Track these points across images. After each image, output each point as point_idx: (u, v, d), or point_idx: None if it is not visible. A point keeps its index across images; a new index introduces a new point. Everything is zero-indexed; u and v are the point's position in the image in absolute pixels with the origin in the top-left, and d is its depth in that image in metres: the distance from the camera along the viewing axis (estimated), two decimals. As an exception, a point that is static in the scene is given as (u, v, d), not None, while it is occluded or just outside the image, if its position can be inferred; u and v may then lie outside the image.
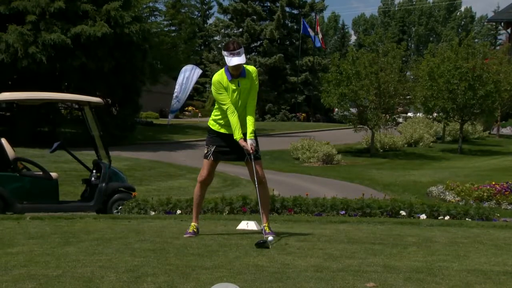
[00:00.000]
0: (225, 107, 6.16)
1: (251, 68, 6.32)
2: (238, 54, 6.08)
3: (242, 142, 6.12)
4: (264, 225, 6.21)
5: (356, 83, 26.56)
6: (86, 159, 11.75)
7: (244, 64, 6.19)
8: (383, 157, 27.24)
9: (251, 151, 6.11)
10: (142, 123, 37.49)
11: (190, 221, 6.45)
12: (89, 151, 12.44)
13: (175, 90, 33.58)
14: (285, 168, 22.01)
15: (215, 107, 6.39)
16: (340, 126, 41.54)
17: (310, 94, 56.69)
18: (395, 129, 31.31)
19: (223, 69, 6.28)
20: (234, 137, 6.13)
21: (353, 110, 28.65)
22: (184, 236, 6.10)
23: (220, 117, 6.29)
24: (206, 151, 6.34)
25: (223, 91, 6.18)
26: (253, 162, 6.13)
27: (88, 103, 11.11)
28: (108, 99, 27.35)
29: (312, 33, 52.76)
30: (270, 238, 5.63)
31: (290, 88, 55.92)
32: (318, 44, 54.17)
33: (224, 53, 6.12)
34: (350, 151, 28.79)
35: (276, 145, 27.68)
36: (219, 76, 6.25)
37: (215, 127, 6.35)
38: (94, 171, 10.87)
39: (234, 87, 6.17)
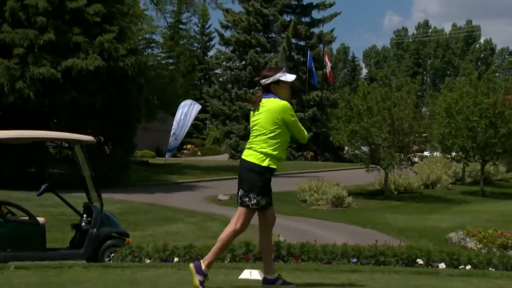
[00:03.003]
0: (304, 132, 6.19)
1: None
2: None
3: None
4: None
5: (367, 119, 26.63)
6: (76, 203, 11.74)
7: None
8: (398, 199, 27.15)
9: None
10: (137, 163, 37.54)
11: (188, 270, 6.27)
12: (79, 193, 12.44)
13: (173, 127, 33.74)
14: (291, 212, 21.93)
15: (274, 140, 6.07)
16: (350, 166, 41.43)
17: (318, 131, 56.80)
18: (410, 169, 31.28)
19: (277, 98, 6.16)
20: (304, 138, 6.20)
21: (365, 149, 28.67)
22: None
23: (280, 149, 6.12)
24: (263, 202, 6.07)
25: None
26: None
27: (79, 141, 11.15)
28: (101, 137, 27.43)
29: (313, 69, 53.07)
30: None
31: (297, 125, 56.05)
32: (314, 81, 54.62)
33: (278, 74, 6.12)
34: (362, 193, 28.71)
35: (281, 186, 27.54)
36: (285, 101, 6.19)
37: (277, 164, 6.16)
38: (84, 215, 10.85)
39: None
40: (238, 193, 6.08)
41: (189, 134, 48.29)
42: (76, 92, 25.68)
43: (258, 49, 57.29)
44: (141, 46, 35.76)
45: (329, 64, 55.65)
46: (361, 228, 18.28)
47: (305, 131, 6.27)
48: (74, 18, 26.50)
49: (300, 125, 6.19)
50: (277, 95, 6.10)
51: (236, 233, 6.04)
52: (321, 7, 58.83)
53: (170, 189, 28.19)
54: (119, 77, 26.93)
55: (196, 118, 40.94)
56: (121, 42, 26.86)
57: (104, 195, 11.35)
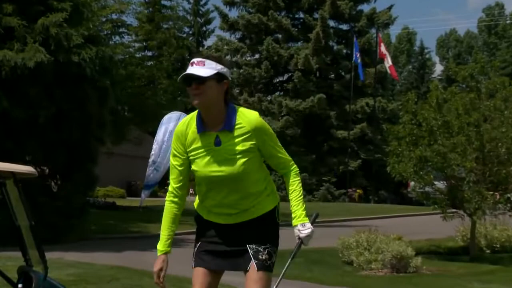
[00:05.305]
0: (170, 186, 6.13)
1: (249, 114, 5.79)
2: (200, 64, 5.56)
3: (160, 262, 6.12)
4: None
5: (444, 141, 26.57)
6: (8, 267, 11.74)
7: (207, 79, 5.54)
8: (492, 261, 27.00)
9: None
10: (99, 205, 37.63)
11: None
12: (12, 251, 12.43)
13: (152, 152, 33.77)
14: (329, 279, 21.87)
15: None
16: (419, 211, 41.29)
17: (370, 157, 56.87)
18: (510, 216, 31.13)
19: (195, 112, 5.93)
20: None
21: (440, 185, 28.56)
22: None
23: (203, 195, 6.20)
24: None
25: (180, 153, 5.95)
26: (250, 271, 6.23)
27: (13, 174, 11.15)
28: (45, 168, 27.51)
29: (358, 60, 53.11)
30: None
31: (337, 149, 56.19)
32: (361, 77, 54.60)
33: None
34: (437, 251, 28.59)
35: (315, 241, 27.33)
36: (182, 124, 6.00)
37: (202, 211, 6.27)
38: (20, 285, 10.82)
39: (207, 144, 5.81)
40: None
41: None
42: (8, 100, 25.74)
43: (279, 36, 57.48)
44: (105, 32, 35.95)
45: (388, 56, 55.64)
46: (436, 305, 18.21)
47: None
48: (6, -9, 26.77)
49: None
50: None
51: None
52: (373, -26, 59.25)
53: (147, 244, 28.13)
54: (73, 77, 27.01)
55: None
56: (75, 26, 26.97)
57: (49, 254, 11.32)
